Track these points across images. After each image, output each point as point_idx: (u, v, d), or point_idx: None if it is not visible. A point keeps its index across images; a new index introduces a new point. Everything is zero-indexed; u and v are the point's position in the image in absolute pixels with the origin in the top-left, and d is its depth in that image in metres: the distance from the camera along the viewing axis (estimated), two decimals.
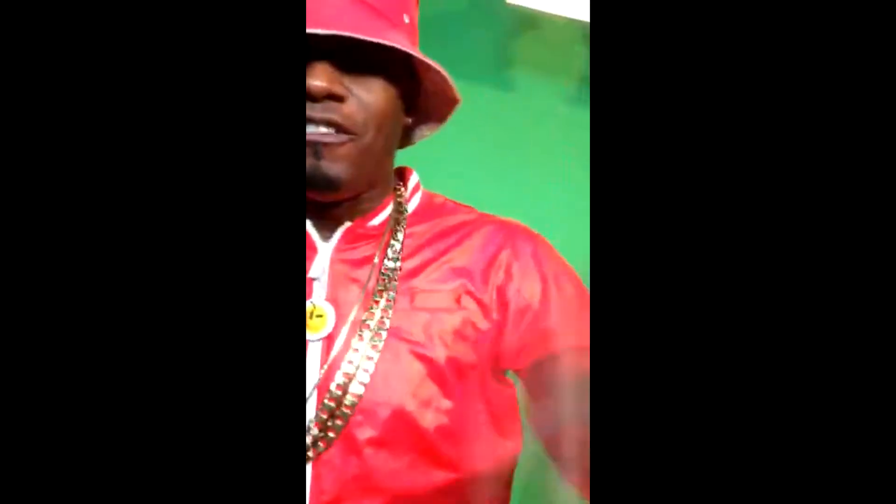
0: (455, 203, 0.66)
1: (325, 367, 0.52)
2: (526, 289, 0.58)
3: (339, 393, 0.51)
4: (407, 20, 0.57)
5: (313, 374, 0.52)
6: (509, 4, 1.42)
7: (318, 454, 0.50)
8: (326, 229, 0.57)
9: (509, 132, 1.49)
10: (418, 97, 0.61)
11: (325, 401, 0.51)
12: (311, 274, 0.55)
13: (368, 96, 0.52)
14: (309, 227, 0.57)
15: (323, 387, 0.52)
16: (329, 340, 0.53)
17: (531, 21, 1.49)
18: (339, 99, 0.51)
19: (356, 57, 0.51)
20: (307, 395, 0.52)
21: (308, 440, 0.51)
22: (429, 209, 0.63)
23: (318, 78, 0.49)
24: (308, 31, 0.48)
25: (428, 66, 0.55)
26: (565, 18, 1.41)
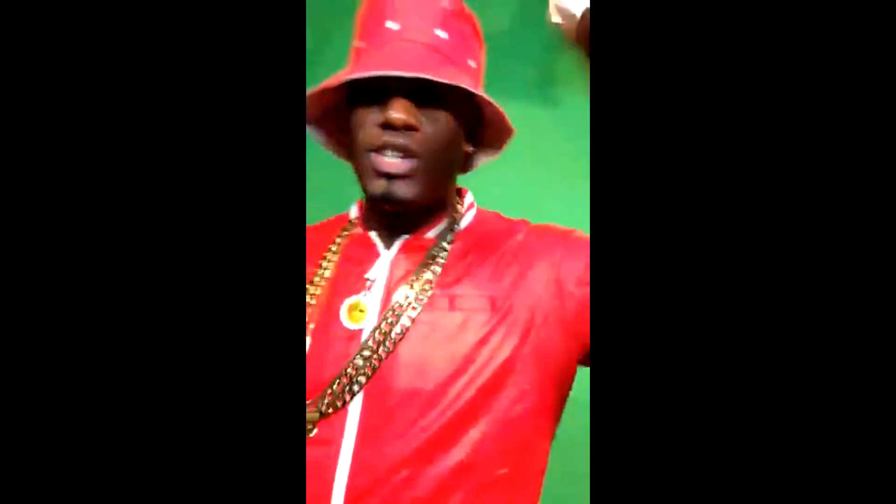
0: (506, 219, 0.73)
1: (360, 352, 0.62)
2: (571, 291, 0.64)
3: (369, 374, 0.61)
4: (473, 65, 0.67)
5: (350, 357, 0.62)
6: (554, 23, 1.43)
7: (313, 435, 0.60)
8: (389, 239, 0.68)
9: (555, 150, 1.49)
10: (479, 128, 0.71)
11: (349, 378, 0.61)
12: (368, 275, 0.65)
13: (436, 127, 0.63)
14: (374, 237, 0.68)
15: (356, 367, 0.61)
16: (373, 334, 0.62)
17: None
18: (412, 128, 0.61)
19: (429, 95, 0.62)
20: (339, 376, 0.61)
21: (310, 417, 0.61)
22: (480, 225, 0.71)
23: (398, 111, 0.60)
24: (391, 72, 0.59)
25: (487, 102, 0.65)
26: None
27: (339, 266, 0.66)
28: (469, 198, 0.74)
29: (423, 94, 0.61)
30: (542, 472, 0.67)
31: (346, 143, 0.69)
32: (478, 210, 0.74)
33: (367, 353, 0.61)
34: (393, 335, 0.61)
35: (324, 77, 0.64)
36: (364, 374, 0.60)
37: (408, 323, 0.61)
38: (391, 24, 0.62)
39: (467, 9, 0.68)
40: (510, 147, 1.47)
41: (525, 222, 0.72)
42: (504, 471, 0.61)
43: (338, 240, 0.69)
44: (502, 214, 0.75)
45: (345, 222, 0.73)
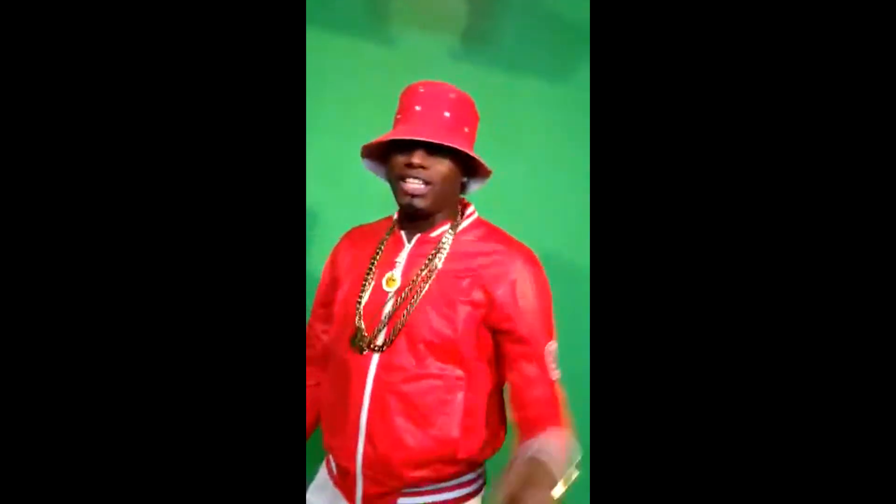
0: (489, 227, 1.15)
1: (393, 307, 1.07)
2: (518, 295, 1.07)
3: (399, 323, 1.06)
4: (466, 130, 1.09)
5: (388, 310, 1.08)
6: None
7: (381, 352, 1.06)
8: (410, 235, 1.12)
9: (391, 87, 1.49)
10: (472, 166, 1.12)
11: (390, 325, 1.06)
12: (396, 259, 1.11)
13: (440, 167, 1.05)
14: (402, 234, 1.12)
15: (391, 317, 1.07)
16: (396, 295, 1.08)
17: None
18: (424, 168, 1.04)
19: (436, 149, 1.04)
20: (383, 321, 1.07)
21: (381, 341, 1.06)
22: (474, 229, 1.13)
23: (417, 158, 1.03)
24: (414, 137, 1.02)
25: (471, 156, 1.06)
26: None
27: (384, 254, 1.12)
28: (471, 209, 1.15)
29: (433, 148, 1.04)
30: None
31: (384, 170, 1.14)
32: (475, 218, 1.15)
33: (392, 308, 1.07)
34: (413, 299, 1.06)
35: None
36: (394, 322, 1.06)
37: (420, 292, 1.07)
38: (417, 107, 1.07)
39: (465, 94, 1.09)
40: (349, 85, 1.45)
41: (502, 233, 1.13)
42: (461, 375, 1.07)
43: (386, 235, 1.14)
44: (488, 223, 1.15)
45: (390, 223, 1.16)
